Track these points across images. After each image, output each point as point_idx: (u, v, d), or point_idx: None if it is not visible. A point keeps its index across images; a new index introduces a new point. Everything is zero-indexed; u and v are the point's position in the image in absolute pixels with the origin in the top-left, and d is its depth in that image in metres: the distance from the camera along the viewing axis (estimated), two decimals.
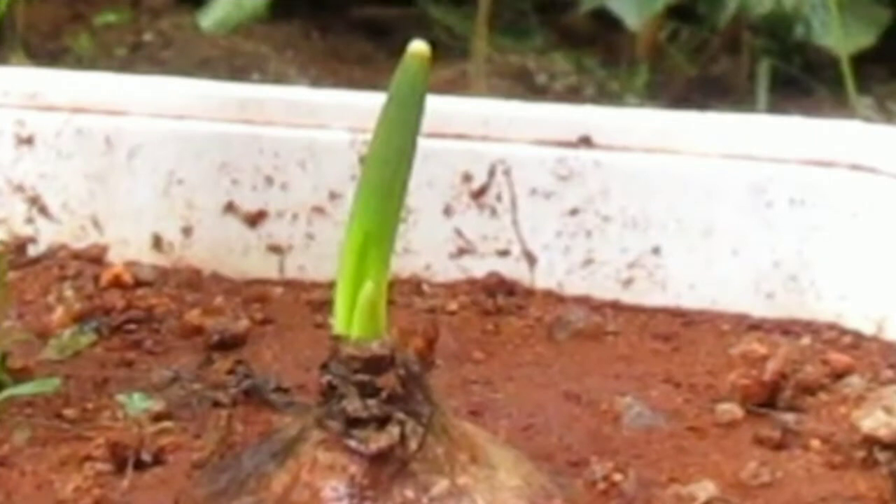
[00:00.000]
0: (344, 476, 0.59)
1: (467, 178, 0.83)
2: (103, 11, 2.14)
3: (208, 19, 2.20)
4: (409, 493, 0.59)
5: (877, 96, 1.77)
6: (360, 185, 0.60)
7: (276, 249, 0.84)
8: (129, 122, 0.83)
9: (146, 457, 0.65)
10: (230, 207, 0.84)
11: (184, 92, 0.84)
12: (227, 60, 2.12)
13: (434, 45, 0.60)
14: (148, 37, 2.15)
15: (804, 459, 0.66)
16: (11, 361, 0.71)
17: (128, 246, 0.84)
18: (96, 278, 0.82)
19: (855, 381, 0.73)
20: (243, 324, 0.77)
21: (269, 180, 0.84)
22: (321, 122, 0.84)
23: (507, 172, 0.83)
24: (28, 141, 0.83)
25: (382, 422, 0.59)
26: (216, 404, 0.70)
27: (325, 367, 0.61)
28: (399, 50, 0.60)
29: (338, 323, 0.60)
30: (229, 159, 0.83)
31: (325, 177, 0.83)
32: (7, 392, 0.68)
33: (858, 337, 0.79)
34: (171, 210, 0.84)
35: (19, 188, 0.84)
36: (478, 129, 0.83)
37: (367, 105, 0.78)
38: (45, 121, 0.84)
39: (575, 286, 0.84)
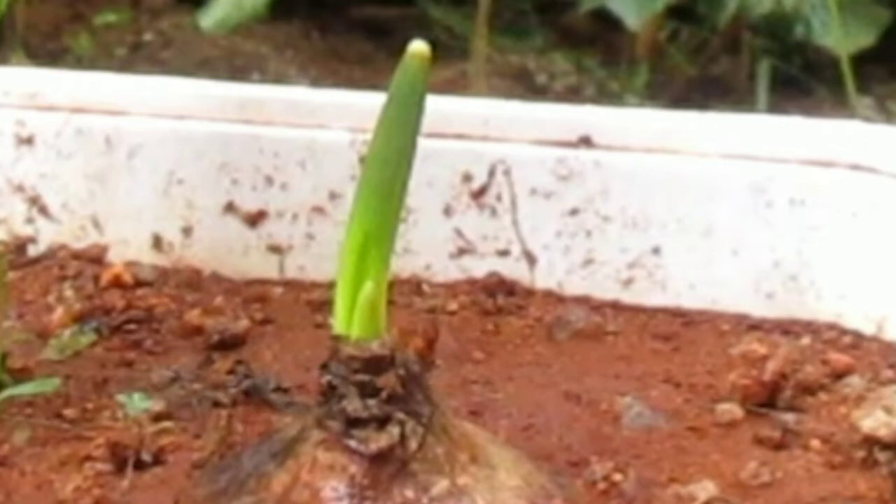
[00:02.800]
0: (344, 476, 0.59)
1: (467, 178, 0.83)
2: (103, 11, 2.15)
3: (208, 19, 2.20)
4: (409, 494, 0.59)
5: (877, 96, 1.77)
6: (360, 185, 0.60)
7: (276, 249, 0.84)
8: (129, 122, 0.83)
9: (146, 457, 0.65)
10: (230, 207, 0.84)
11: (184, 92, 0.84)
12: (227, 60, 2.12)
13: (434, 45, 0.60)
14: (148, 37, 2.16)
15: (804, 459, 0.66)
16: (11, 361, 0.71)
17: (128, 246, 0.84)
18: (96, 278, 0.82)
19: (855, 381, 0.73)
20: (243, 324, 0.78)
21: (269, 180, 0.84)
22: (321, 122, 0.84)
23: (507, 172, 0.83)
24: (28, 141, 0.84)
25: (382, 422, 0.59)
26: (216, 404, 0.70)
27: (325, 367, 0.61)
28: (399, 50, 0.60)
29: (338, 323, 0.60)
30: (229, 159, 0.83)
31: (325, 177, 0.84)
32: (7, 392, 0.68)
33: (858, 337, 0.79)
34: (171, 210, 0.84)
35: (19, 188, 0.84)
36: (478, 129, 0.83)
37: (367, 105, 0.78)
38: (45, 121, 0.84)
39: (575, 286, 0.84)
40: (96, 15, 2.15)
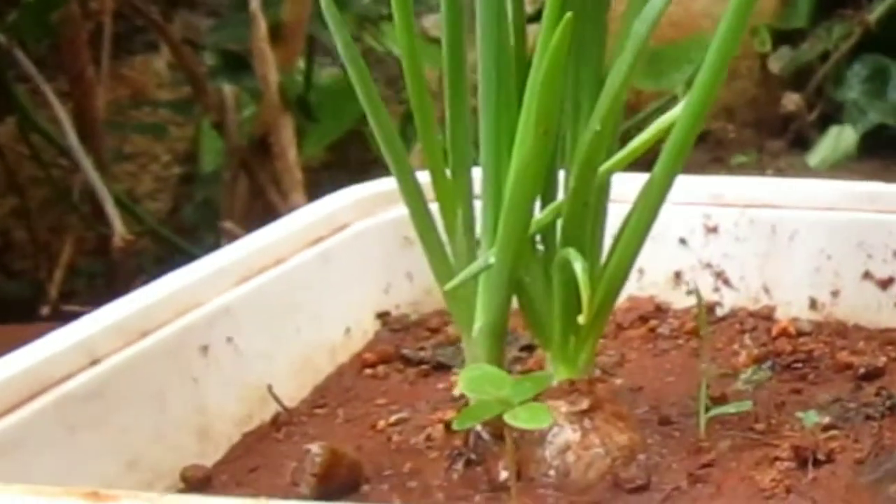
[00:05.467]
0: None
1: None
2: (736, 154, 2.16)
3: (814, 158, 2.19)
4: None
5: None
6: None
7: None
8: (788, 213, 0.82)
9: (820, 456, 0.63)
10: (867, 275, 0.81)
11: (829, 189, 0.82)
12: None
13: None
14: (769, 172, 2.15)
15: None
16: (711, 391, 0.70)
17: (790, 306, 0.82)
18: (768, 331, 0.80)
19: None
20: (882, 360, 0.75)
21: (893, 256, 0.81)
22: None
23: None
24: (714, 230, 0.84)
25: None
26: (868, 418, 0.68)
27: None
28: None
29: None
30: (864, 239, 0.81)
31: None
32: (712, 412, 0.68)
33: None
34: (822, 279, 0.82)
35: (708, 265, 0.84)
36: None
37: None
38: (726, 214, 0.84)
39: None
40: (731, 157, 2.16)
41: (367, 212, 0.82)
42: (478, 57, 0.66)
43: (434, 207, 0.68)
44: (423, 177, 0.68)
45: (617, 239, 0.66)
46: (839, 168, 2.17)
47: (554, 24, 0.61)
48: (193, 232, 1.79)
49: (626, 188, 0.69)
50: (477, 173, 0.67)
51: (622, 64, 0.60)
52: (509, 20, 0.66)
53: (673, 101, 1.68)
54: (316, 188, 1.89)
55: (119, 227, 1.36)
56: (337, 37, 0.66)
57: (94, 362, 0.63)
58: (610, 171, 0.66)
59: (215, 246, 1.68)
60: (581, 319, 0.62)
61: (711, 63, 0.62)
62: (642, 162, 0.67)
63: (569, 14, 0.58)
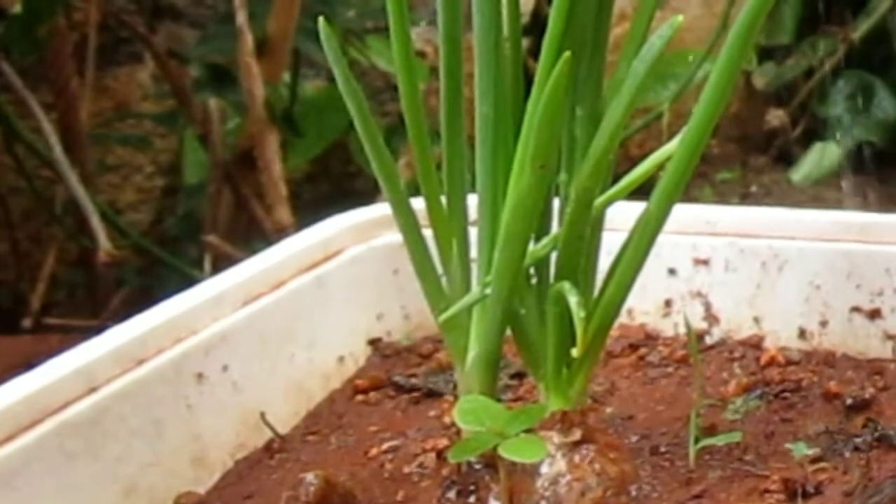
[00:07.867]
0: None
1: None
2: (721, 170, 2.18)
3: (798, 174, 2.21)
4: None
5: None
6: None
7: (890, 337, 0.82)
8: (778, 243, 0.83)
9: (809, 489, 0.65)
10: (855, 307, 0.82)
11: (818, 220, 0.83)
12: (812, 204, 2.11)
13: None
14: (753, 188, 2.17)
15: None
16: (701, 421, 0.71)
17: (779, 336, 0.83)
18: (757, 359, 0.81)
19: None
20: (870, 391, 0.76)
21: (882, 287, 0.82)
22: None
23: None
24: (703, 259, 0.85)
25: None
26: (856, 449, 0.69)
27: None
28: None
29: None
30: (854, 270, 0.82)
31: None
32: (702, 442, 0.69)
33: None
34: (811, 309, 0.83)
35: (698, 294, 0.85)
36: None
37: None
38: (716, 243, 0.84)
39: None
40: (715, 173, 2.18)
41: (361, 238, 0.83)
42: (475, 86, 0.67)
43: (428, 234, 0.69)
44: (418, 203, 0.69)
45: (611, 271, 0.67)
46: (823, 184, 2.19)
47: (552, 59, 0.62)
48: (176, 244, 1.80)
49: (617, 215, 0.70)
50: (472, 200, 0.68)
51: (620, 101, 0.61)
52: (506, 48, 0.67)
53: (659, 117, 1.69)
54: (297, 200, 1.90)
55: (104, 242, 1.36)
56: (336, 70, 0.67)
57: (93, 390, 0.64)
58: (605, 205, 0.67)
59: (199, 259, 1.69)
60: (575, 353, 0.64)
61: (709, 96, 0.63)
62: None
63: (567, 53, 0.59)
